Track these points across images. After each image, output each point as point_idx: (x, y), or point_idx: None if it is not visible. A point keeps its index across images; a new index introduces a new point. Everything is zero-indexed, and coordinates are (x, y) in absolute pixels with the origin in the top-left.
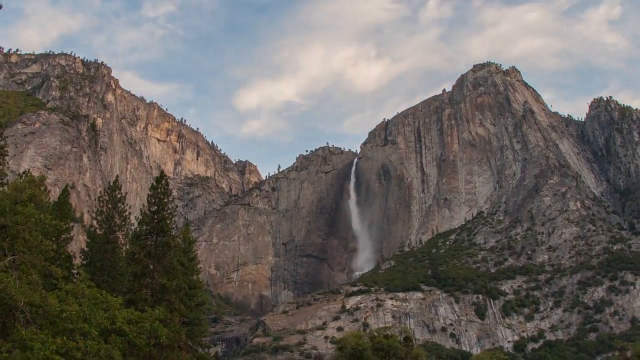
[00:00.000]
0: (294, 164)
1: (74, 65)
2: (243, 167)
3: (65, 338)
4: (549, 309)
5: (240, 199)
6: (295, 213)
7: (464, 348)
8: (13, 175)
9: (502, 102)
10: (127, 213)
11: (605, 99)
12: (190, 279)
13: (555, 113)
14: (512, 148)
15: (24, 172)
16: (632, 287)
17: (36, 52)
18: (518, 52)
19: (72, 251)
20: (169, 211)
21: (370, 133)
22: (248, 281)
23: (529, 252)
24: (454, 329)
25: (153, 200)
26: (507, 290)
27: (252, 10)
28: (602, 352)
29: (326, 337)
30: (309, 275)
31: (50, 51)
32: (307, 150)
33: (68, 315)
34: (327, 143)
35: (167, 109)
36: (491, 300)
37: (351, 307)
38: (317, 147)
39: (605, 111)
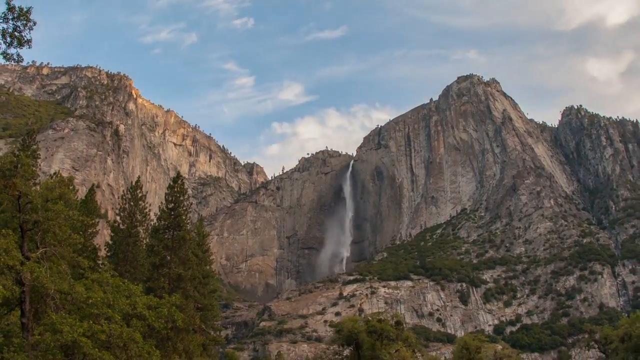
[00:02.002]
0: (296, 165)
1: (99, 77)
2: (251, 169)
3: (91, 322)
4: (525, 296)
5: (248, 197)
6: (297, 210)
7: (449, 331)
8: (44, 175)
9: (484, 110)
10: (147, 210)
11: (576, 107)
12: (203, 269)
13: (531, 120)
14: (493, 151)
15: (54, 173)
16: (600, 277)
17: (65, 65)
18: None
19: (97, 244)
20: (184, 208)
21: (365, 138)
22: (255, 271)
23: (507, 245)
24: (440, 314)
25: (170, 199)
26: (488, 279)
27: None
28: (573, 334)
29: (325, 321)
30: (310, 265)
31: (77, 64)
32: (308, 154)
33: (94, 302)
34: (327, 147)
35: (182, 116)
36: (473, 288)
37: (348, 294)
38: (317, 151)
39: (576, 118)
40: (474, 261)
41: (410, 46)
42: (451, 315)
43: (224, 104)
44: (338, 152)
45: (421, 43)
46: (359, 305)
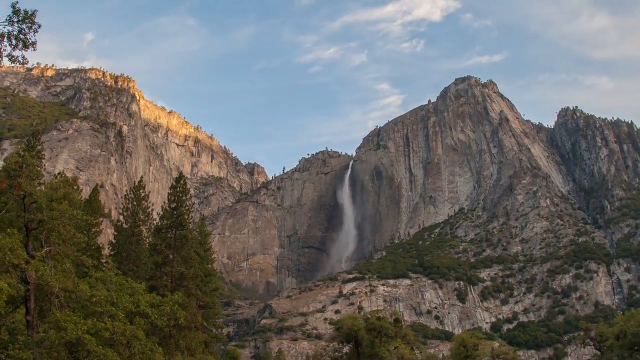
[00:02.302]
0: (296, 165)
1: (102, 79)
2: (252, 169)
3: (95, 320)
4: (522, 294)
5: (249, 197)
6: (298, 209)
7: (447, 328)
8: (49, 175)
9: (481, 112)
10: (149, 209)
11: (571, 108)
12: (205, 267)
13: (528, 121)
14: (490, 152)
15: (58, 173)
16: (595, 275)
17: (69, 67)
18: None
19: (101, 243)
20: (186, 207)
21: (364, 139)
22: (256, 269)
23: (504, 244)
24: (438, 312)
25: (173, 198)
26: (485, 277)
27: None
28: (569, 332)
29: (325, 319)
30: (310, 264)
31: (81, 66)
32: (308, 154)
33: (97, 300)
34: (326, 147)
35: (185, 117)
36: (471, 286)
37: (347, 292)
38: (317, 151)
39: (571, 119)
40: (472, 260)
41: (553, 72)
42: (449, 313)
43: (367, 122)
44: (338, 152)
45: (563, 69)
46: (358, 303)
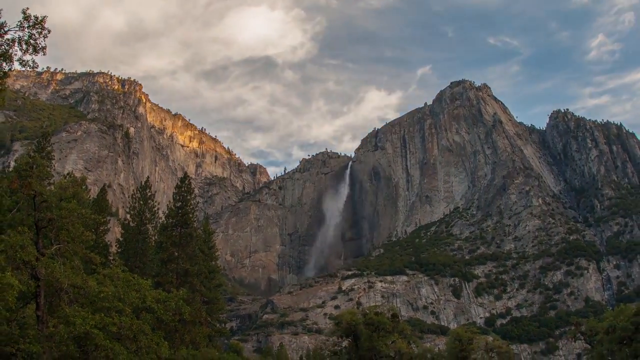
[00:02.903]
0: (297, 166)
1: (110, 83)
2: (254, 169)
3: (102, 315)
4: (515, 290)
5: (252, 196)
6: (298, 208)
7: (442, 323)
8: (58, 176)
9: (475, 114)
10: (155, 208)
11: (562, 111)
12: (209, 264)
13: (520, 123)
14: (484, 153)
15: (67, 174)
16: (585, 271)
17: (78, 71)
18: None
19: (108, 241)
20: (191, 207)
21: (362, 140)
22: (259, 266)
23: (498, 242)
24: (434, 307)
25: (178, 198)
26: (480, 274)
27: None
28: (560, 326)
29: (325, 314)
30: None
31: (90, 70)
32: (308, 155)
33: (105, 296)
34: (326, 149)
35: (189, 119)
36: (466, 283)
37: (346, 289)
38: (318, 152)
39: (562, 121)
40: (466, 257)
41: None
42: (444, 309)
43: None
44: (337, 153)
45: None
46: (357, 299)
